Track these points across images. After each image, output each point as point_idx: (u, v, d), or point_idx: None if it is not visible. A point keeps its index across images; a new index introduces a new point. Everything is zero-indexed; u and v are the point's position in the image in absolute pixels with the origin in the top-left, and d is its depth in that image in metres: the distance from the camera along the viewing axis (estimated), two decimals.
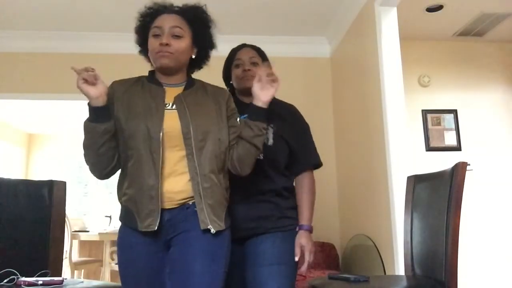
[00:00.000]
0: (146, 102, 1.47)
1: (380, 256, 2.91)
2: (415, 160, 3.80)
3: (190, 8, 1.55)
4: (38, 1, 3.42)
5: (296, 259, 1.63)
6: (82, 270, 4.87)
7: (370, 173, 3.12)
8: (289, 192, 1.76)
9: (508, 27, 4.03)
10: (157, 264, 1.44)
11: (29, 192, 2.13)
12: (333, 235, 3.80)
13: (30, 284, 1.71)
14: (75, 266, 4.56)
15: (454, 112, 4.15)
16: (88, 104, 1.42)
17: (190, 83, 1.57)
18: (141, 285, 1.45)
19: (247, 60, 1.78)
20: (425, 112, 4.13)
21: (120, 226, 1.52)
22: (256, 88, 1.50)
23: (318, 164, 1.82)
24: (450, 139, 4.10)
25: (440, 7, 3.64)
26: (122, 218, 1.51)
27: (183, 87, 1.55)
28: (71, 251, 4.61)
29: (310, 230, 1.70)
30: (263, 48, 1.91)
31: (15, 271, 1.80)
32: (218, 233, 1.43)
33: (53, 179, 2.20)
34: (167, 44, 1.46)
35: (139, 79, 1.58)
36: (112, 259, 4.56)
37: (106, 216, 5.58)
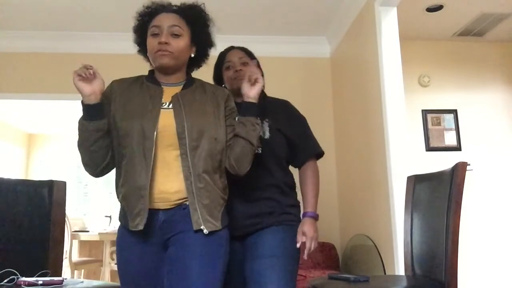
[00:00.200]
0: (143, 102, 1.48)
1: (380, 256, 2.91)
2: (415, 160, 3.80)
3: (188, 7, 1.55)
4: (38, 1, 3.42)
5: (298, 245, 1.63)
6: (82, 270, 4.87)
7: (370, 173, 3.12)
8: (290, 189, 1.76)
9: (508, 27, 4.03)
10: (155, 264, 1.44)
11: (29, 192, 2.12)
12: (333, 235, 3.81)
13: (30, 284, 1.71)
14: (75, 266, 4.56)
15: (454, 112, 4.15)
16: (82, 102, 1.42)
17: (189, 82, 1.57)
18: (139, 285, 1.45)
19: (237, 61, 1.79)
20: (425, 112, 4.13)
21: (119, 226, 1.53)
22: (244, 86, 1.55)
23: (320, 153, 1.83)
24: (450, 139, 4.10)
25: (440, 7, 3.64)
26: (119, 217, 1.52)
27: (181, 86, 1.55)
28: (71, 251, 4.61)
29: (315, 217, 1.70)
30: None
31: (15, 271, 1.79)
32: (215, 233, 1.42)
33: (53, 179, 2.20)
34: (166, 43, 1.46)
35: (139, 78, 1.58)
36: (112, 259, 4.57)
37: (106, 216, 5.58)
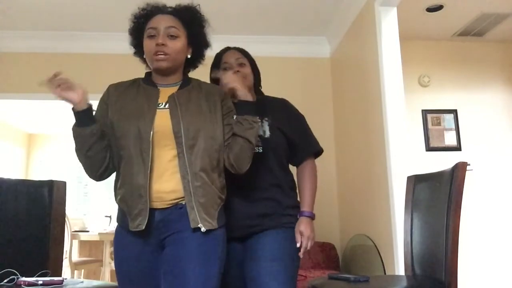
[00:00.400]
0: (139, 104, 1.49)
1: (380, 256, 2.91)
2: (415, 160, 3.80)
3: (184, 9, 1.56)
4: (38, 1, 3.42)
5: (298, 245, 1.63)
6: (82, 270, 4.87)
7: (370, 173, 3.12)
8: (291, 189, 1.75)
9: (508, 27, 4.03)
10: (152, 264, 1.45)
11: (29, 192, 2.13)
12: (333, 235, 3.81)
13: (30, 284, 1.71)
14: (75, 266, 4.56)
15: (454, 112, 4.15)
16: (72, 109, 1.44)
17: (186, 82, 1.57)
18: (136, 284, 1.46)
19: (234, 62, 1.78)
20: (425, 112, 4.13)
21: (116, 226, 1.54)
22: (239, 89, 1.55)
23: (319, 151, 1.82)
24: (450, 139, 4.10)
25: (440, 7, 3.64)
26: (117, 218, 1.53)
27: (178, 86, 1.55)
28: (71, 251, 4.61)
29: (311, 216, 1.69)
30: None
31: (15, 271, 1.80)
32: (211, 232, 1.42)
33: (53, 179, 2.20)
34: (163, 44, 1.47)
35: (135, 81, 1.59)
36: (112, 259, 4.57)
37: (106, 216, 5.58)
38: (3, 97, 4.07)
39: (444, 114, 4.14)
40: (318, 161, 1.82)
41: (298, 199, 1.77)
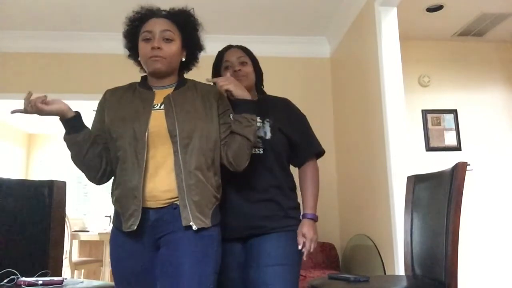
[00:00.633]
0: (135, 107, 1.50)
1: (380, 256, 2.91)
2: (415, 160, 3.80)
3: (178, 12, 1.58)
4: (38, 1, 3.42)
5: (300, 247, 1.62)
6: (82, 270, 4.87)
7: (370, 173, 3.12)
8: (291, 190, 1.74)
9: (508, 27, 4.03)
10: (147, 264, 1.46)
11: (29, 192, 2.13)
12: (333, 235, 3.81)
13: (30, 284, 1.71)
14: (75, 266, 4.56)
15: (454, 112, 4.15)
16: (60, 119, 1.48)
17: (181, 83, 1.59)
18: (132, 284, 1.47)
19: (235, 60, 1.77)
20: (425, 112, 4.13)
21: (112, 227, 1.55)
22: (233, 90, 1.55)
23: (320, 152, 1.81)
24: (450, 139, 4.10)
25: (440, 7, 3.64)
26: (112, 219, 1.55)
27: (173, 87, 1.57)
28: (71, 251, 4.61)
29: (314, 218, 1.68)
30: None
31: (15, 271, 1.80)
32: (206, 233, 1.43)
33: (53, 179, 2.20)
34: (159, 48, 1.48)
35: (131, 85, 1.61)
36: None
37: (106, 216, 5.58)
38: (3, 97, 4.06)
39: (444, 114, 4.14)
40: (318, 161, 1.82)
41: (299, 199, 1.77)
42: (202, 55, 1.69)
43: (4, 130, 6.84)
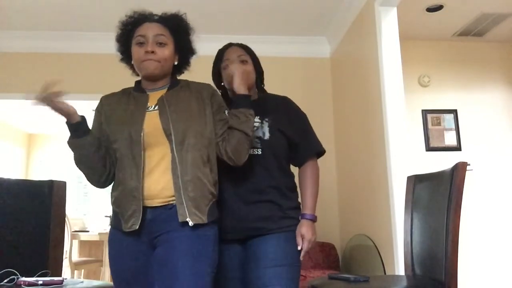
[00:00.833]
0: (130, 110, 1.53)
1: (380, 256, 2.91)
2: (415, 160, 3.80)
3: (171, 17, 1.61)
4: (38, 1, 3.42)
5: (299, 248, 1.62)
6: (82, 270, 4.87)
7: (370, 173, 3.12)
8: (291, 191, 1.73)
9: (508, 27, 4.03)
10: (145, 263, 1.47)
11: (29, 192, 2.13)
12: (333, 235, 3.81)
13: (30, 284, 1.71)
14: (75, 266, 4.56)
15: (454, 112, 4.15)
16: (67, 123, 1.49)
17: (174, 84, 1.61)
18: (130, 283, 1.48)
19: (235, 59, 1.76)
20: (425, 112, 4.13)
21: (110, 228, 1.58)
22: (235, 80, 1.60)
23: (320, 152, 1.79)
24: (450, 139, 4.11)
25: (440, 7, 3.64)
26: (111, 220, 1.57)
27: (166, 89, 1.59)
28: (71, 251, 4.61)
29: (312, 219, 1.67)
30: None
31: (15, 271, 1.80)
32: (202, 232, 1.44)
33: (53, 179, 2.20)
34: (152, 52, 1.51)
35: (126, 90, 1.64)
36: None
37: (106, 216, 5.58)
38: (3, 97, 4.06)
39: (444, 114, 4.14)
40: (318, 161, 1.81)
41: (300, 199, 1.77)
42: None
43: (4, 130, 6.84)
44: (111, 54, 4.02)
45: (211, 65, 1.84)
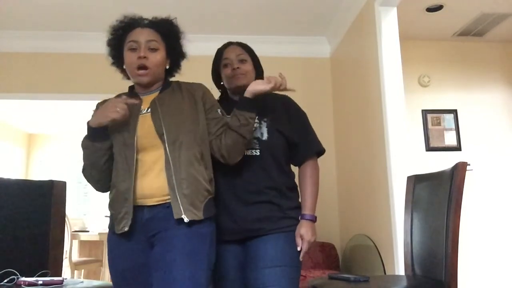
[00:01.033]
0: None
1: (380, 256, 2.91)
2: (415, 160, 3.80)
3: (161, 22, 1.62)
4: (38, 1, 3.42)
5: (298, 249, 1.61)
6: (82, 270, 4.87)
7: (370, 173, 3.12)
8: (291, 191, 1.72)
9: (508, 27, 4.03)
10: (143, 262, 1.48)
11: (29, 192, 2.13)
12: (333, 235, 3.81)
13: (30, 284, 1.71)
14: (75, 266, 4.56)
15: (454, 112, 4.15)
16: (91, 126, 1.51)
17: (166, 86, 1.63)
18: (129, 283, 1.50)
19: (234, 58, 1.75)
20: (425, 112, 4.13)
21: (108, 230, 1.60)
22: (252, 82, 1.58)
23: (320, 151, 1.78)
24: (450, 139, 4.11)
25: (440, 7, 3.64)
26: (109, 223, 1.59)
27: (159, 91, 1.61)
28: (71, 251, 4.61)
29: (312, 219, 1.66)
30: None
31: (15, 271, 1.80)
32: (199, 229, 1.45)
33: (53, 179, 2.20)
34: (145, 57, 1.53)
35: (119, 96, 1.65)
36: None
37: (106, 216, 5.56)
38: (3, 97, 4.07)
39: (444, 114, 4.14)
40: (318, 161, 1.81)
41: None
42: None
43: (4, 130, 6.84)
44: None
45: (211, 64, 1.84)
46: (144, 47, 1.54)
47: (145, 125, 1.51)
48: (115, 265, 1.53)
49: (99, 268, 5.05)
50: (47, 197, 2.14)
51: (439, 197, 1.81)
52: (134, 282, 1.49)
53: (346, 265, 3.50)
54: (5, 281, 1.77)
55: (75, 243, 5.27)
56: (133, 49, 1.55)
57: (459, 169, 1.73)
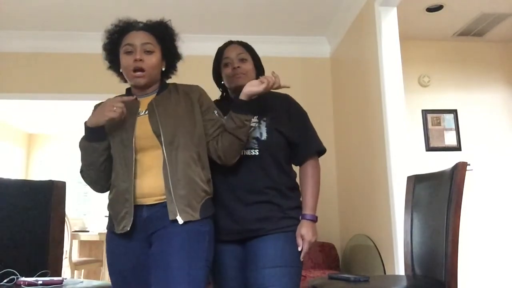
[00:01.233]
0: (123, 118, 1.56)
1: (380, 256, 2.91)
2: (415, 160, 3.80)
3: (156, 24, 1.64)
4: (38, 1, 3.42)
5: (299, 249, 1.60)
6: (82, 270, 4.87)
7: (370, 173, 3.12)
8: (292, 190, 1.71)
9: (508, 27, 4.03)
10: (142, 260, 1.49)
11: (29, 192, 2.13)
12: (333, 235, 3.81)
13: (30, 284, 1.71)
14: (75, 266, 4.56)
15: (454, 112, 4.15)
16: (88, 126, 1.52)
17: (163, 88, 1.65)
18: (128, 282, 1.51)
19: (235, 57, 1.75)
20: (425, 112, 4.13)
21: (107, 230, 1.61)
22: (247, 83, 1.57)
23: (321, 151, 1.76)
24: (450, 139, 4.11)
25: (440, 7, 3.64)
26: (107, 224, 1.60)
27: (156, 94, 1.63)
28: (71, 251, 4.61)
29: (313, 219, 1.65)
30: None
31: (15, 271, 1.80)
32: (196, 227, 1.46)
33: (53, 179, 2.20)
34: (141, 60, 1.54)
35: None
36: None
37: (106, 216, 5.57)
38: (3, 97, 4.07)
39: (444, 114, 4.14)
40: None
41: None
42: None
43: (4, 130, 6.84)
44: None
45: (211, 64, 1.84)
46: (140, 50, 1.55)
47: (142, 127, 1.53)
48: (115, 265, 1.54)
49: (99, 268, 5.05)
50: (47, 197, 2.14)
51: (439, 197, 1.81)
52: (134, 282, 1.50)
53: (346, 265, 3.50)
54: (5, 281, 1.77)
55: (75, 243, 5.27)
56: (129, 52, 1.56)
57: (459, 169, 1.73)
